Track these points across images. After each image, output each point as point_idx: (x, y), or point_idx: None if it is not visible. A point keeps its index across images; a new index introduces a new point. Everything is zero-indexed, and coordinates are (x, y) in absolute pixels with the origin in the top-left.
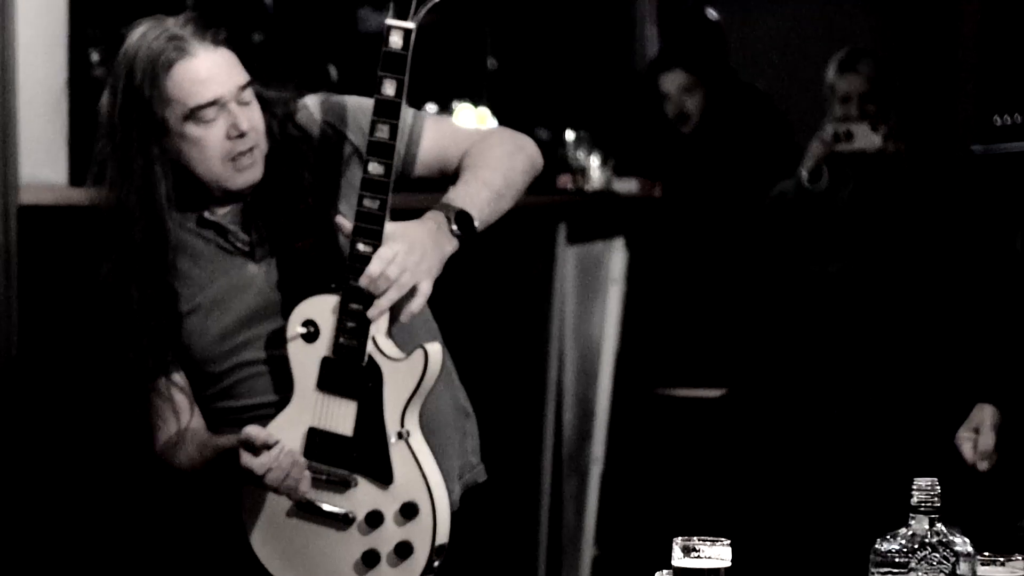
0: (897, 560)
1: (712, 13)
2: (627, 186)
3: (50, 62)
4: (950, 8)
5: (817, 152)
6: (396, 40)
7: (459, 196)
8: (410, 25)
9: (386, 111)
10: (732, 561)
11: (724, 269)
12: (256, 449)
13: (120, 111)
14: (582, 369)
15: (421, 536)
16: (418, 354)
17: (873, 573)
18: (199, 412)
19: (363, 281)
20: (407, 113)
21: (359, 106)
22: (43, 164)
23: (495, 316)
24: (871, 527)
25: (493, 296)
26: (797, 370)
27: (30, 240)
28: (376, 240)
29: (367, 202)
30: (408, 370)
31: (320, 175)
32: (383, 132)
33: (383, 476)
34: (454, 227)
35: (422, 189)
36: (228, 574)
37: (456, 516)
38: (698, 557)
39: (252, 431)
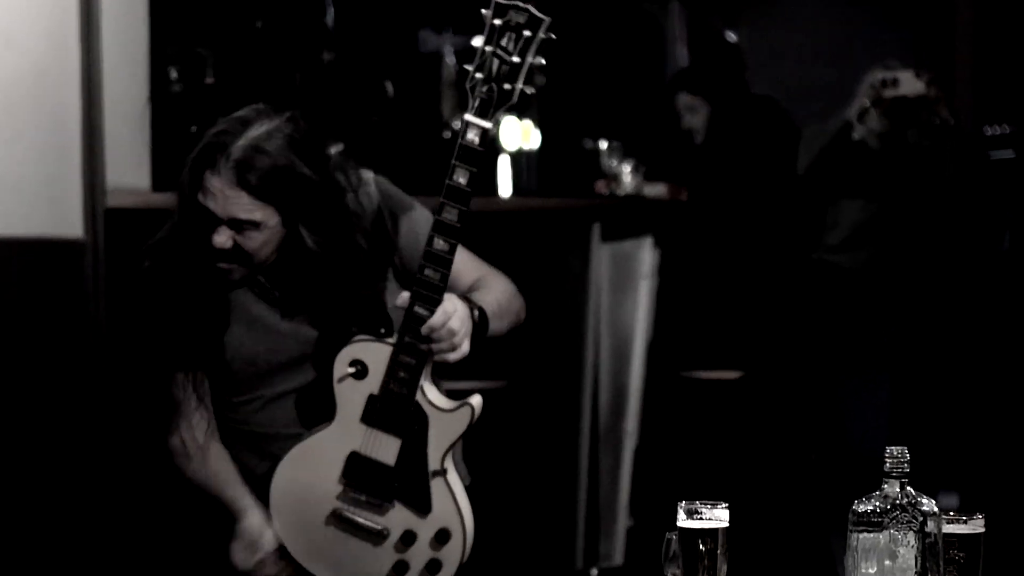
0: (872, 520)
1: (731, 35)
2: (656, 190)
3: (133, 78)
4: (946, 29)
5: (866, 95)
6: (473, 137)
7: (481, 299)
8: (488, 125)
9: (456, 197)
10: (731, 522)
11: (741, 265)
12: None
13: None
14: (615, 354)
15: (451, 557)
16: (465, 410)
17: (852, 530)
18: (215, 429)
19: (424, 329)
20: None
21: (419, 219)
22: (128, 171)
23: (537, 306)
24: (850, 491)
25: (535, 288)
26: (802, 356)
27: (116, 240)
28: (433, 306)
29: (428, 272)
30: (454, 421)
31: (372, 246)
32: (451, 215)
33: (422, 507)
34: (475, 315)
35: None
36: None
37: (500, 491)
38: (700, 518)
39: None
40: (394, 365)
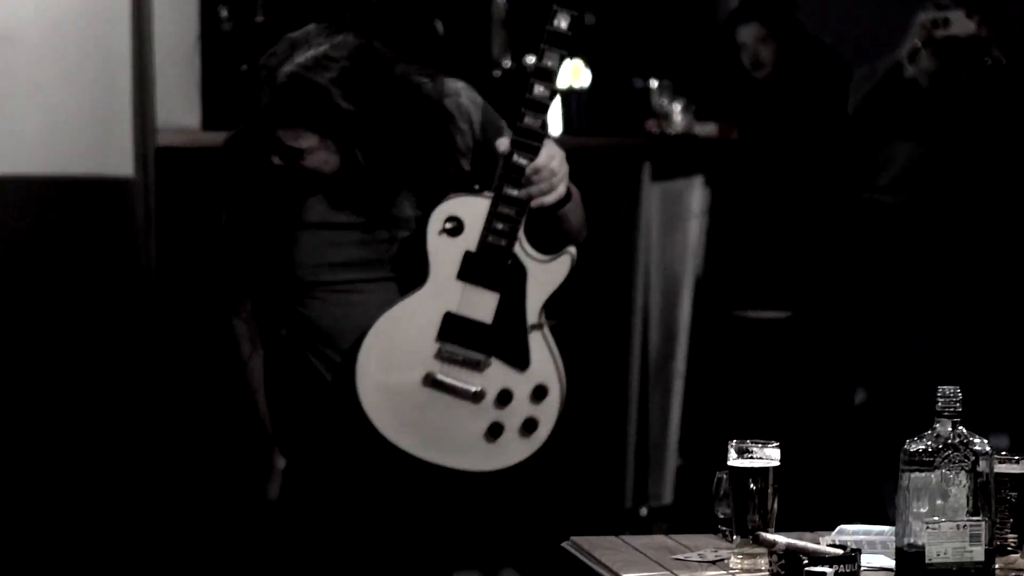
0: (924, 459)
1: None
2: (707, 129)
3: (183, 17)
4: None
5: (917, 35)
6: (561, 23)
7: None
8: (576, 13)
9: (558, 42)
10: (782, 461)
11: (792, 204)
12: None
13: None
14: (665, 293)
15: (548, 415)
16: (564, 258)
17: (903, 470)
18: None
19: (529, 170)
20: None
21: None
22: (178, 110)
23: (587, 245)
24: (902, 430)
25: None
26: (852, 296)
27: (166, 179)
28: (533, 154)
29: (528, 120)
30: (553, 271)
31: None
32: (552, 60)
33: (520, 362)
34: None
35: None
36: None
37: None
38: (751, 457)
39: None
40: (492, 217)
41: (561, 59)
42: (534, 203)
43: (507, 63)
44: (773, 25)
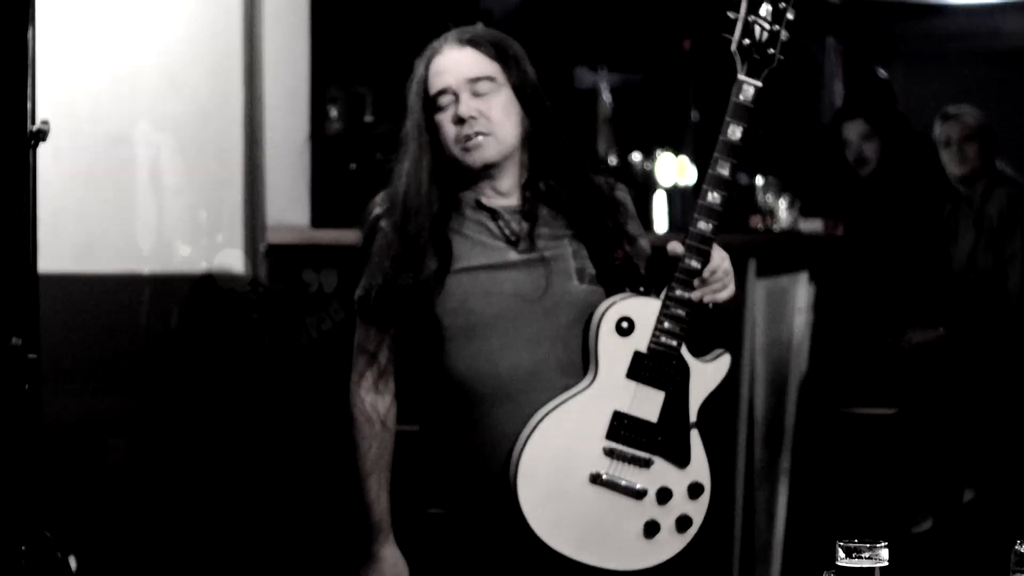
0: None
1: (882, 72)
2: (812, 226)
3: (293, 118)
4: None
5: None
6: (746, 96)
7: None
8: (759, 84)
9: (730, 151)
10: (891, 561)
11: (898, 299)
12: None
13: (411, 93)
14: (771, 389)
15: (699, 513)
16: (724, 358)
17: (1014, 571)
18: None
19: (706, 272)
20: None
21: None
22: (288, 208)
23: (692, 340)
24: (1013, 530)
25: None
26: (960, 392)
27: (276, 275)
28: (705, 258)
29: (701, 224)
30: (713, 371)
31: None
32: (724, 169)
33: (682, 459)
34: None
35: None
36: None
37: None
38: (859, 557)
39: None
40: (664, 318)
41: (733, 169)
42: (707, 299)
43: (613, 160)
44: (878, 122)
